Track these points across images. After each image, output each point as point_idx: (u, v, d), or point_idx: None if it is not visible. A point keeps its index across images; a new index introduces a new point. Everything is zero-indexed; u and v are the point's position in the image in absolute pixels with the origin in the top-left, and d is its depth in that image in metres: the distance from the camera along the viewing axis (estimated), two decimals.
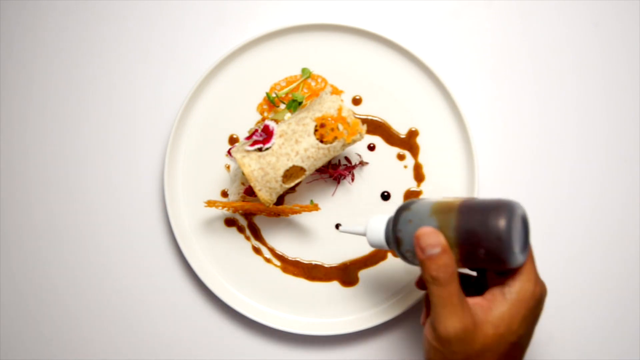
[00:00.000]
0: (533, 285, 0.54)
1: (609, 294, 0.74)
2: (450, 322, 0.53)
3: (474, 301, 0.55)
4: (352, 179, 0.75)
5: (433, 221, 0.55)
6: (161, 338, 0.75)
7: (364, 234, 0.62)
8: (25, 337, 0.76)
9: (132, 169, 0.77)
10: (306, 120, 0.67)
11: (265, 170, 0.66)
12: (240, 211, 0.73)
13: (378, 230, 0.60)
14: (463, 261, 0.54)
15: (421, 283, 0.64)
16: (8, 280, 0.76)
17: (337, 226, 0.74)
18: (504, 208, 0.52)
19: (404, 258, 0.58)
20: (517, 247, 0.52)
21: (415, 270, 0.73)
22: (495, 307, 0.54)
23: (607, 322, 0.74)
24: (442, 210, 0.55)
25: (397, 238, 0.57)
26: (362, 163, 0.75)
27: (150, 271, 0.75)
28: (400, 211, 0.58)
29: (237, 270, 0.74)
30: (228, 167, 0.75)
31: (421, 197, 0.59)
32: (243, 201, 0.72)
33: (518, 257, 0.53)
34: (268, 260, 0.74)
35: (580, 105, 0.77)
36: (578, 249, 0.75)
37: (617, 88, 0.77)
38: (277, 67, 0.75)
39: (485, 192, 0.75)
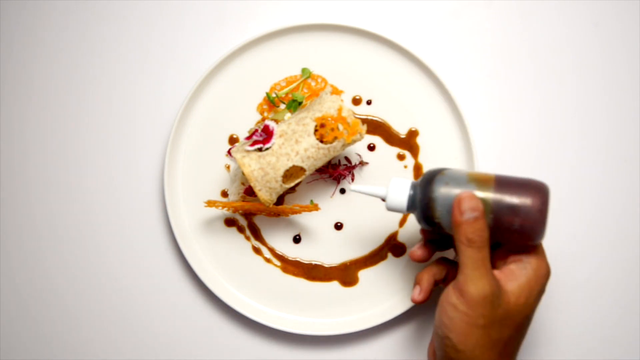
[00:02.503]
0: (546, 264, 0.59)
1: (609, 294, 0.75)
2: (482, 284, 0.55)
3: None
4: (352, 179, 0.75)
5: (472, 187, 0.58)
6: (161, 338, 0.75)
7: (382, 196, 0.62)
8: (25, 337, 0.76)
9: (132, 169, 0.77)
10: (306, 120, 0.67)
11: (265, 170, 0.66)
12: (240, 211, 0.73)
13: (402, 192, 0.61)
14: (492, 231, 0.57)
15: (418, 253, 0.64)
16: (8, 280, 0.76)
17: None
18: (543, 186, 0.57)
19: (428, 221, 0.60)
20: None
21: (413, 267, 0.73)
22: (514, 279, 0.57)
23: (607, 322, 0.74)
24: (478, 180, 0.58)
25: (430, 199, 0.59)
26: (362, 163, 0.75)
27: (150, 271, 0.75)
28: (433, 175, 0.60)
29: (237, 270, 0.74)
30: (228, 167, 0.75)
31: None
32: (243, 201, 0.72)
33: (544, 235, 0.57)
34: (268, 260, 0.74)
35: (580, 105, 0.77)
36: (578, 248, 0.75)
37: (617, 88, 0.77)
38: (277, 67, 0.75)
39: None
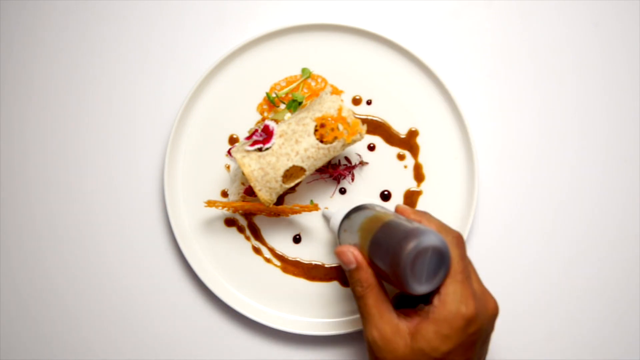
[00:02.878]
0: (457, 305, 0.54)
1: (609, 294, 0.75)
2: (369, 330, 0.56)
3: (411, 314, 0.57)
4: (352, 179, 0.75)
5: (356, 237, 0.59)
6: (161, 338, 0.75)
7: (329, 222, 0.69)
8: (25, 337, 0.76)
9: (132, 169, 0.77)
10: (306, 120, 0.67)
11: (265, 170, 0.66)
12: (240, 211, 0.73)
13: (334, 225, 0.66)
14: (380, 278, 0.57)
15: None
16: (8, 280, 0.76)
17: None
18: (412, 237, 0.52)
19: None
20: (416, 275, 0.53)
21: None
22: (420, 322, 0.55)
23: (607, 322, 0.74)
24: (367, 227, 0.58)
25: (339, 239, 0.64)
26: (362, 163, 0.75)
27: (150, 271, 0.75)
28: (345, 217, 0.64)
29: (237, 270, 0.74)
30: (228, 167, 0.75)
31: (373, 204, 0.65)
32: (243, 201, 0.72)
33: (418, 286, 0.53)
34: (268, 260, 0.74)
35: (580, 105, 0.77)
36: (578, 248, 0.75)
37: (617, 88, 0.77)
38: (277, 67, 0.75)
39: (486, 192, 0.75)
